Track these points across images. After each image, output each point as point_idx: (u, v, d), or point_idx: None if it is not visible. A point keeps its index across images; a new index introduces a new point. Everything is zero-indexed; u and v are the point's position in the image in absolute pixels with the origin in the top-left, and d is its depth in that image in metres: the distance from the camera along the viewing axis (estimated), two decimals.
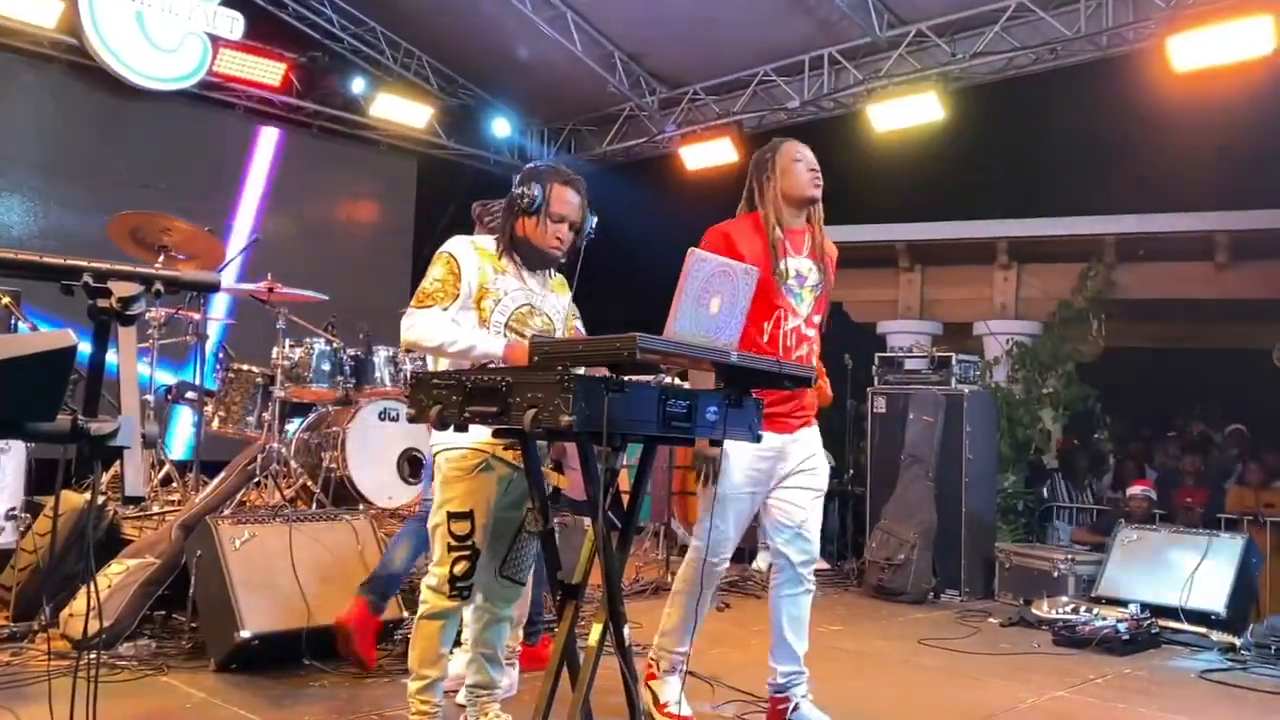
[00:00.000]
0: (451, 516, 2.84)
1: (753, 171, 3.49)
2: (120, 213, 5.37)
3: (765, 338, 3.32)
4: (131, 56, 7.97)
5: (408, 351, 2.55)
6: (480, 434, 2.67)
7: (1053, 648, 5.07)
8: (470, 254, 2.95)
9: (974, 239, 10.25)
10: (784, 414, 3.33)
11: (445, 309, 2.87)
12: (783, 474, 3.40)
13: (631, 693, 2.48)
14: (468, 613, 3.13)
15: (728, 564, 3.53)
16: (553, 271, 3.13)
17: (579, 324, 3.25)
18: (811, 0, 7.92)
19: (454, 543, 2.84)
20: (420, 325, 2.86)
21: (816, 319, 3.44)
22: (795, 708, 3.44)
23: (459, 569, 2.84)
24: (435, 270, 2.92)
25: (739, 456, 3.26)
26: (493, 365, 2.83)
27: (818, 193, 3.41)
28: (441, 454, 2.91)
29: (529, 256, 3.02)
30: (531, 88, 9.96)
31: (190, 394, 5.67)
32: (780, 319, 3.34)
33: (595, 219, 3.05)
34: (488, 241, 3.02)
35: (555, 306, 3.09)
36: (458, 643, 3.75)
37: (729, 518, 3.36)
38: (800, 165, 3.40)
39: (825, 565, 7.45)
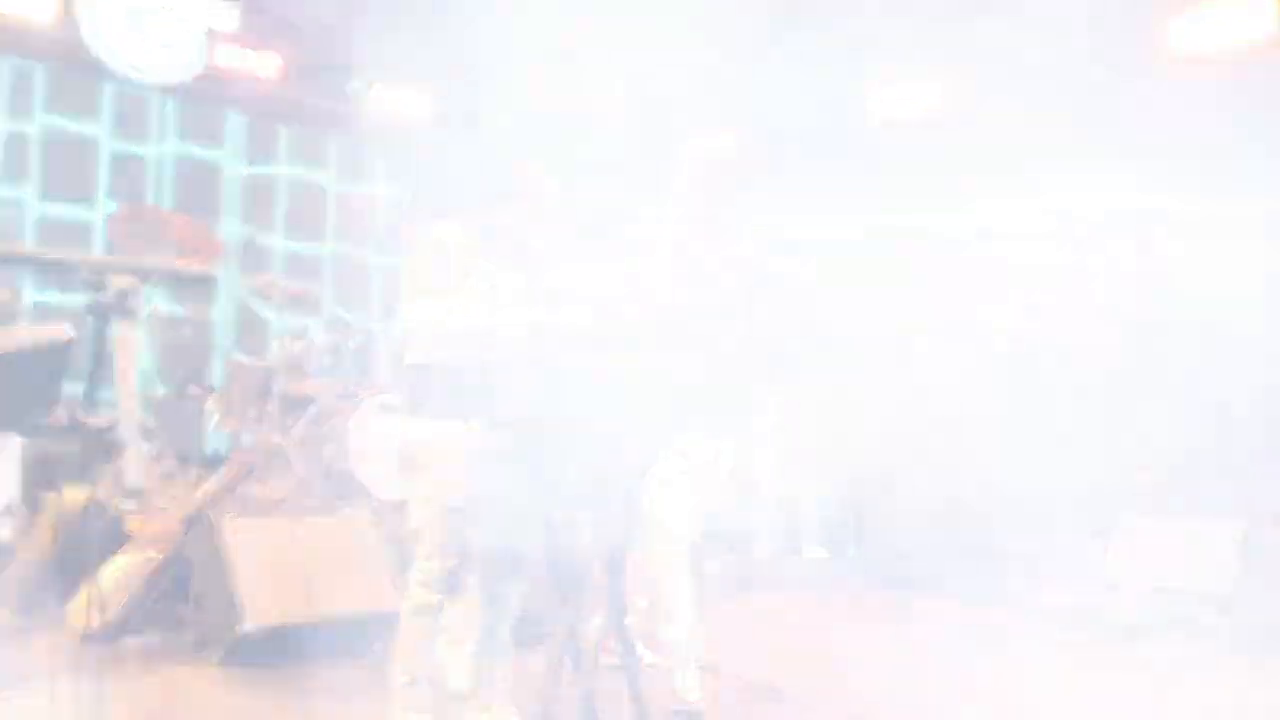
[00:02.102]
0: (446, 511, 2.80)
1: None
2: (120, 208, 5.37)
3: None
4: (127, 52, 7.94)
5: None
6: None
7: (1058, 633, 5.07)
8: None
9: None
10: None
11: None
12: None
13: (634, 679, 2.48)
14: (460, 610, 3.11)
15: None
16: None
17: None
18: None
19: (446, 539, 2.81)
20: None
21: None
22: None
23: (450, 564, 2.82)
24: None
25: None
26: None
27: None
28: (429, 447, 2.84)
29: None
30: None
31: (192, 388, 5.67)
32: None
33: None
34: None
35: None
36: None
37: None
38: None
39: (826, 555, 7.44)
